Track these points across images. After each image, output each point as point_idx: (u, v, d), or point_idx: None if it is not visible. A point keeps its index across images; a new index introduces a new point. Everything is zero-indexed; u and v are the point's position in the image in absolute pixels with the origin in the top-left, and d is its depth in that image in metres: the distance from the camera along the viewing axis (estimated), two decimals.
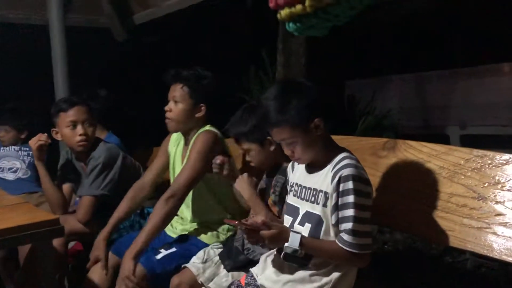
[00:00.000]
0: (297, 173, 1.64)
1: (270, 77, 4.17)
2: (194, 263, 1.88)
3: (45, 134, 2.34)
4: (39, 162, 2.37)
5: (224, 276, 1.82)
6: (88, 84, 3.04)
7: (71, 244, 2.48)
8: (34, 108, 3.19)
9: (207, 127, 2.11)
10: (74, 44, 3.33)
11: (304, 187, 1.56)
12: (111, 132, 2.93)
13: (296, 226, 1.53)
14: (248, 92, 4.20)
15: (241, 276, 1.70)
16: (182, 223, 2.20)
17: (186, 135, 2.17)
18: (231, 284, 1.69)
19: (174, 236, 2.16)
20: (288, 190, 1.66)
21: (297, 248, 1.42)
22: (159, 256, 1.96)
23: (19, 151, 3.03)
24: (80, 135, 2.31)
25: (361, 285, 1.56)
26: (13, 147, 3.03)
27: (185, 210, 2.18)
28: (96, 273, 2.08)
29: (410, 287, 1.71)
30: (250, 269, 1.68)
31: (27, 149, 3.02)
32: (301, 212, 1.54)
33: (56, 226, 1.48)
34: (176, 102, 2.08)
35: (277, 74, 3.72)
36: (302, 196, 1.56)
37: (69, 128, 2.32)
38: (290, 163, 1.70)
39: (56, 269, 2.04)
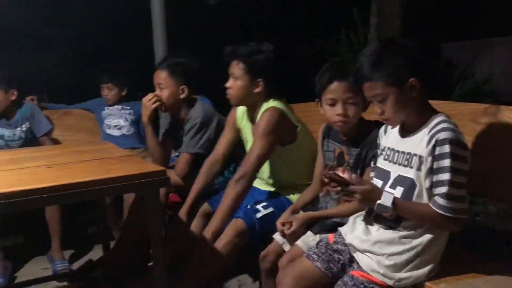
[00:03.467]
0: (389, 137, 1.63)
1: (361, 39, 4.06)
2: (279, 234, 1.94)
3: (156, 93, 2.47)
4: (148, 121, 2.49)
5: (311, 236, 1.86)
6: (184, 44, 3.15)
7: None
8: (131, 65, 3.40)
9: (271, 103, 2.10)
10: (172, 3, 3.41)
11: (397, 151, 1.55)
12: (203, 96, 3.03)
13: (387, 189, 1.53)
14: (337, 55, 4.13)
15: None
16: (266, 183, 2.28)
17: (251, 112, 2.20)
18: (319, 241, 1.74)
19: (263, 188, 2.25)
20: (378, 154, 1.66)
21: (390, 206, 1.43)
22: (258, 215, 2.05)
23: (122, 110, 3.27)
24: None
25: (450, 252, 1.54)
26: (116, 106, 3.26)
27: (266, 174, 2.24)
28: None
29: (498, 260, 1.65)
30: (339, 228, 1.73)
31: (128, 107, 3.26)
32: (393, 176, 1.54)
33: (163, 176, 1.60)
34: (235, 79, 2.11)
35: (370, 36, 3.61)
36: (395, 160, 1.55)
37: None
38: (383, 127, 1.69)
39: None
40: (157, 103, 2.47)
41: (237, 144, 2.41)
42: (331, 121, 1.83)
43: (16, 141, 2.89)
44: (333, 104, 1.79)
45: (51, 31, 4.17)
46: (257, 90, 2.11)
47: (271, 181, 2.25)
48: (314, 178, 2.04)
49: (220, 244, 1.99)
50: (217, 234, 2.00)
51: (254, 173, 2.05)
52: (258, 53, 2.09)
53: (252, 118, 2.22)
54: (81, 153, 2.02)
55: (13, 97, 2.86)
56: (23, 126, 2.92)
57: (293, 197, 2.16)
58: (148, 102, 2.46)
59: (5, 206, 1.39)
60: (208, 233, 2.01)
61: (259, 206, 2.10)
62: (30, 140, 2.94)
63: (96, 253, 2.88)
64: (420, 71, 1.45)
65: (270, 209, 2.09)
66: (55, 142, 3.09)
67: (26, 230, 3.16)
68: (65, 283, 2.60)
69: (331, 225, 1.85)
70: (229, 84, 2.14)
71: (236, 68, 2.10)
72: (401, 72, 1.44)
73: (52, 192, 1.45)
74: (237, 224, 2.00)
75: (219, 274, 2.12)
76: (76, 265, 2.75)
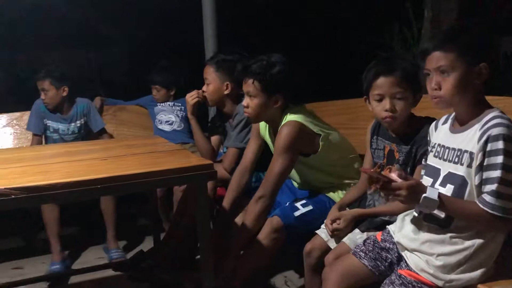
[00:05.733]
0: (440, 134, 1.57)
1: (414, 34, 3.95)
2: (324, 229, 1.92)
3: (201, 90, 2.56)
4: (192, 116, 2.61)
5: (359, 233, 1.84)
6: (234, 41, 3.18)
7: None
8: (181, 65, 3.49)
9: (288, 116, 2.04)
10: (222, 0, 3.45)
11: (448, 147, 1.50)
12: None
13: (437, 187, 1.48)
14: (389, 50, 4.04)
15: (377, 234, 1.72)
16: (301, 186, 2.27)
17: (272, 125, 2.16)
18: (367, 239, 1.72)
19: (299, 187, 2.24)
20: (429, 151, 1.61)
21: (436, 199, 1.37)
22: (297, 213, 2.04)
23: (173, 106, 3.36)
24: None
25: (505, 253, 1.47)
26: (167, 103, 3.37)
27: (297, 179, 2.23)
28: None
29: None
30: (387, 226, 1.69)
31: (179, 104, 3.34)
32: (443, 173, 1.49)
33: (210, 170, 1.64)
34: (251, 97, 2.07)
35: (424, 30, 3.49)
36: (445, 157, 1.50)
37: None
38: (433, 123, 1.64)
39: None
40: (196, 99, 2.54)
41: None
42: (379, 117, 1.79)
43: (70, 135, 3.04)
44: (380, 99, 1.75)
45: (106, 30, 4.34)
46: (276, 105, 2.07)
47: (302, 185, 2.24)
48: (361, 175, 2.01)
49: (258, 239, 2.01)
50: (239, 250, 2.04)
51: (274, 192, 2.03)
52: (272, 67, 2.03)
53: (274, 132, 2.17)
54: (133, 147, 2.10)
55: (64, 93, 3.00)
56: (78, 121, 3.06)
57: (334, 195, 2.13)
58: (189, 98, 2.55)
59: (62, 195, 1.47)
60: (233, 245, 2.06)
61: (298, 204, 2.09)
62: (83, 135, 3.08)
63: (147, 244, 2.98)
64: (492, 60, 1.40)
65: (310, 207, 2.07)
66: (110, 136, 3.23)
67: (82, 221, 3.32)
68: (118, 272, 2.71)
69: (379, 223, 1.82)
70: (245, 103, 2.10)
71: (251, 87, 2.05)
72: (478, 52, 1.38)
73: (106, 183, 1.51)
74: (273, 221, 2.01)
75: (260, 268, 2.13)
76: (127, 256, 2.86)
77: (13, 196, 1.40)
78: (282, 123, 2.04)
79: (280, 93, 2.05)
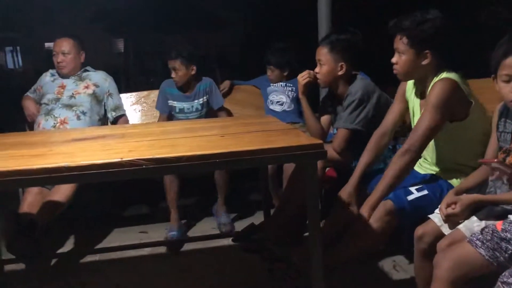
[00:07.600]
0: None
1: None
2: (438, 214, 1.85)
3: (312, 71, 2.58)
4: (303, 96, 2.65)
5: (476, 221, 1.74)
6: (348, 20, 3.12)
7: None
8: (295, 47, 3.52)
9: (443, 74, 1.96)
10: None
11: None
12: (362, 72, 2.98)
13: None
14: None
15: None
16: (429, 164, 2.18)
17: (421, 85, 2.08)
18: (485, 227, 1.63)
19: (422, 172, 2.16)
20: None
21: None
22: (410, 197, 2.00)
23: (285, 87, 3.43)
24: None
25: None
26: (280, 83, 3.44)
27: (430, 154, 2.14)
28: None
29: None
30: (509, 215, 1.59)
31: (291, 85, 3.40)
32: None
33: (320, 149, 1.67)
34: (400, 54, 2.01)
35: None
36: None
37: None
38: None
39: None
40: (308, 79, 2.56)
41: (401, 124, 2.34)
42: (506, 99, 1.67)
43: (194, 113, 3.26)
44: (509, 80, 1.63)
45: (225, 12, 4.53)
46: (425, 62, 2.01)
47: (433, 160, 2.15)
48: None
49: (371, 221, 2.00)
50: (377, 203, 2.00)
51: (422, 146, 1.97)
52: (423, 23, 1.96)
53: (421, 93, 2.12)
54: (248, 125, 2.20)
55: (193, 72, 3.20)
56: (201, 99, 3.26)
57: (455, 181, 2.03)
58: (300, 78, 2.58)
59: (185, 167, 1.61)
60: (368, 202, 2.03)
61: (412, 188, 2.03)
62: (206, 113, 3.28)
63: (258, 218, 3.12)
64: None
65: (424, 192, 2.01)
66: (229, 114, 3.39)
67: (199, 194, 3.57)
68: (229, 242, 2.88)
69: (500, 212, 1.70)
70: (394, 59, 2.07)
71: (400, 43, 2.02)
72: None
73: (223, 158, 1.62)
74: (386, 204, 1.99)
75: (370, 250, 2.13)
76: (239, 228, 3.02)
77: (144, 166, 1.56)
78: (434, 81, 1.99)
79: (429, 50, 1.99)
